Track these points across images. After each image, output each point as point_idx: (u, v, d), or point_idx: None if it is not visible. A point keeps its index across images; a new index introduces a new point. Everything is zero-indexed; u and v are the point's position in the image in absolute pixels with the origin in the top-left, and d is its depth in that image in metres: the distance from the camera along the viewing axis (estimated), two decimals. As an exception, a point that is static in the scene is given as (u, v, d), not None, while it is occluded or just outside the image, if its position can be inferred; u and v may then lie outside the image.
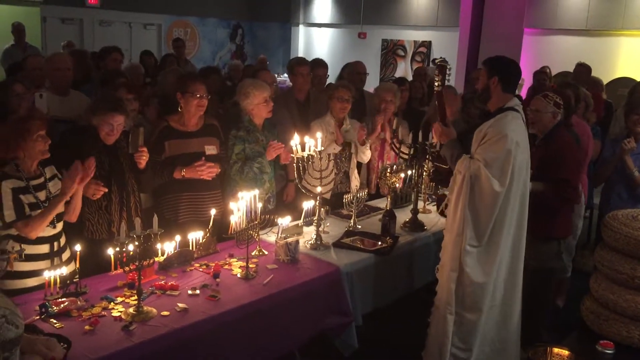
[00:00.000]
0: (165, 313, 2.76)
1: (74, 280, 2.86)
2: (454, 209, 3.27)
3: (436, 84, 3.45)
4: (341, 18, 13.47)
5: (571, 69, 7.59)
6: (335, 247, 3.74)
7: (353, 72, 5.84)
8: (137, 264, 2.66)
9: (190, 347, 2.69)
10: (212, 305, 2.89)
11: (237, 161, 4.06)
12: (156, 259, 3.21)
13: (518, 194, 3.27)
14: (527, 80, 8.37)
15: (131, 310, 2.72)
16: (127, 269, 2.70)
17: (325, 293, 3.39)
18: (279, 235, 3.62)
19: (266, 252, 3.57)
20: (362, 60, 6.33)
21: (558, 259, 3.94)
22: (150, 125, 3.94)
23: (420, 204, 4.46)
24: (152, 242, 2.74)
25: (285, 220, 3.74)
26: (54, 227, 3.05)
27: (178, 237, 3.31)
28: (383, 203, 4.45)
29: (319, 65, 5.66)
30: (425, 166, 4.20)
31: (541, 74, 6.95)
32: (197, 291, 3.00)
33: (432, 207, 4.51)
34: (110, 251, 2.98)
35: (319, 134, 3.69)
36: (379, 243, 3.81)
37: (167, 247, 3.26)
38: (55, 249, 3.09)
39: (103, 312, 2.72)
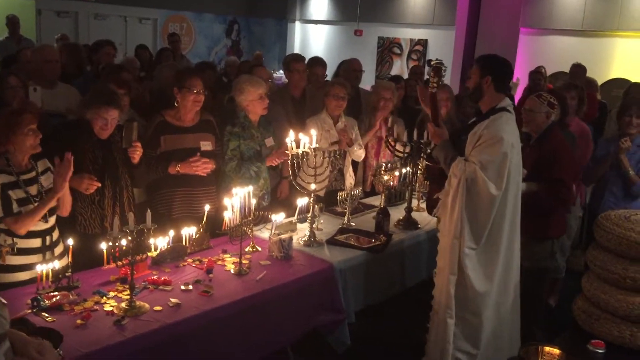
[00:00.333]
0: (158, 308, 2.75)
1: (67, 274, 2.84)
2: (450, 212, 3.23)
3: (431, 85, 3.41)
4: (338, 15, 13.45)
5: (566, 69, 7.60)
6: (328, 244, 3.74)
7: (349, 70, 5.84)
8: (129, 258, 2.65)
9: (183, 342, 2.69)
10: (204, 301, 2.88)
11: (233, 158, 4.05)
12: (149, 254, 3.20)
13: (513, 195, 3.27)
14: (522, 80, 8.41)
15: (123, 304, 2.71)
16: (119, 263, 2.68)
17: (319, 290, 3.39)
18: (273, 231, 3.62)
19: (260, 249, 3.57)
20: (358, 58, 6.32)
21: (552, 259, 3.95)
22: (143, 120, 3.93)
23: (415, 202, 4.46)
24: (145, 237, 2.74)
25: (279, 217, 3.74)
26: (46, 221, 3.04)
27: (171, 232, 3.30)
28: (377, 201, 4.45)
29: (318, 64, 5.64)
30: (420, 164, 4.20)
31: (536, 74, 6.96)
32: (190, 286, 2.99)
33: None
34: (103, 246, 2.96)
35: (313, 131, 3.68)
36: (373, 241, 3.82)
37: (160, 242, 3.25)
38: (48, 243, 3.08)
39: (95, 307, 2.72)
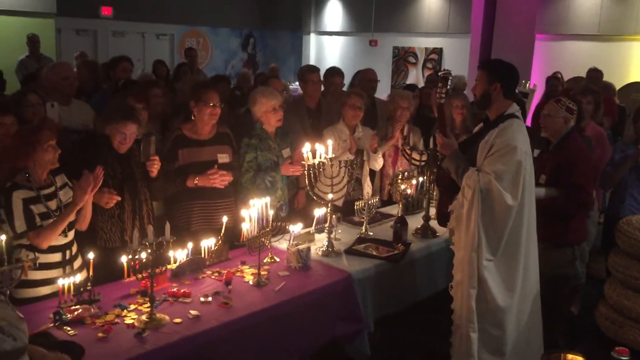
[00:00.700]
0: (178, 320, 2.77)
1: (87, 288, 2.88)
2: (467, 224, 3.17)
3: (439, 95, 3.37)
4: (352, 26, 13.51)
5: (583, 74, 7.54)
6: (347, 253, 3.73)
7: (364, 80, 5.86)
8: (149, 271, 2.68)
9: (203, 354, 2.70)
10: (224, 312, 2.90)
11: (249, 169, 4.08)
12: (168, 266, 3.24)
13: (528, 203, 3.21)
14: (539, 87, 8.36)
15: (144, 317, 2.74)
16: (139, 276, 2.71)
17: (337, 300, 3.38)
18: (291, 242, 3.63)
19: (278, 259, 3.58)
20: (374, 68, 6.34)
21: (572, 266, 3.89)
22: (160, 134, 3.97)
23: (432, 211, 4.43)
24: (164, 249, 2.76)
25: (296, 227, 3.75)
26: (66, 235, 3.08)
27: (190, 245, 3.33)
28: (395, 210, 4.44)
29: (335, 73, 5.70)
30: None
31: (554, 80, 6.93)
32: (209, 298, 3.01)
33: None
34: (124, 259, 3.00)
35: (329, 141, 3.69)
36: (391, 250, 3.81)
37: (180, 254, 3.27)
38: (67, 257, 3.12)
39: (116, 320, 2.74)
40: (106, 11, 12.14)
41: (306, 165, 3.58)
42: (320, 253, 3.71)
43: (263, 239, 3.33)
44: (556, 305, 3.85)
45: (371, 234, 4.10)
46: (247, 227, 3.25)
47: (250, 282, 3.25)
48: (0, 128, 3.35)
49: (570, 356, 2.76)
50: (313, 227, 3.99)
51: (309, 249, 3.55)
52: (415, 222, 4.24)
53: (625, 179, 4.29)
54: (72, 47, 11.18)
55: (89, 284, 2.89)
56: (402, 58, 12.64)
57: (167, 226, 2.77)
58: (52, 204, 3.04)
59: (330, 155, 3.65)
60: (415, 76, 12.31)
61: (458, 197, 3.21)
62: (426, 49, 12.23)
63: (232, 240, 3.62)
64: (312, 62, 14.23)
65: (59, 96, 4.27)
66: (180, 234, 3.52)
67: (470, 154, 3.23)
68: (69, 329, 2.62)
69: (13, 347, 1.72)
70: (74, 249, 3.20)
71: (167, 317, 2.77)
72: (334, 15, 13.83)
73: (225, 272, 3.30)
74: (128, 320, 2.74)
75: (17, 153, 2.95)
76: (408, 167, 4.33)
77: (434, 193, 4.44)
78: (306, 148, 3.57)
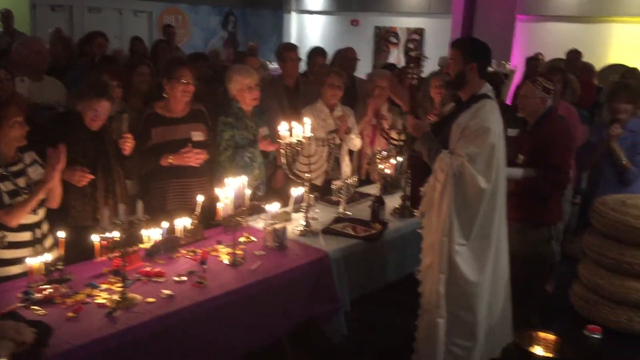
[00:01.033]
0: (151, 300, 2.73)
1: (58, 267, 2.82)
2: (438, 208, 3.08)
3: (410, 76, 3.28)
4: (334, 5, 13.39)
5: (564, 55, 7.54)
6: (324, 233, 3.71)
7: (344, 58, 5.81)
8: (120, 250, 2.63)
9: (175, 333, 2.67)
10: (198, 292, 2.86)
11: (227, 148, 4.03)
12: (142, 245, 3.18)
13: (501, 185, 3.14)
14: (519, 68, 8.36)
15: (115, 297, 2.69)
16: (110, 255, 2.66)
17: (314, 279, 3.36)
18: (268, 221, 3.60)
19: (254, 239, 3.55)
20: (355, 48, 6.28)
21: (549, 245, 3.92)
22: (134, 112, 3.89)
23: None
24: (137, 228, 2.71)
25: (273, 207, 3.71)
26: (36, 213, 3.01)
27: (165, 224, 3.28)
28: (373, 189, 4.42)
29: (318, 53, 5.65)
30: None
31: (533, 61, 6.94)
32: (184, 278, 2.97)
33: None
34: (95, 238, 2.94)
35: (307, 120, 3.64)
36: (368, 229, 3.79)
37: (154, 233, 3.22)
38: (38, 235, 3.06)
39: (87, 299, 2.69)
40: (82, -14, 11.89)
41: (283, 144, 3.53)
42: (297, 232, 3.68)
43: (239, 218, 3.30)
44: (533, 284, 3.88)
45: (349, 213, 4.08)
46: (223, 206, 3.21)
47: (226, 262, 3.21)
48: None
49: (542, 334, 2.79)
50: (290, 207, 3.96)
51: (285, 228, 3.52)
52: (393, 201, 4.23)
53: (601, 161, 4.31)
54: (47, 23, 10.92)
55: (59, 263, 2.83)
56: (383, 38, 12.57)
57: (140, 205, 2.71)
58: (21, 182, 2.97)
59: (308, 134, 3.61)
60: (397, 56, 12.26)
61: (430, 180, 3.11)
62: (408, 29, 12.18)
63: (208, 219, 3.58)
64: (293, 41, 14.07)
65: (30, 71, 4.16)
66: (155, 213, 3.46)
67: (443, 135, 3.14)
68: (37, 308, 2.56)
69: None
70: (45, 227, 3.14)
71: (139, 297, 2.73)
72: (315, -7, 13.70)
73: (201, 251, 3.26)
74: (99, 300, 2.69)
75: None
76: (387, 146, 4.30)
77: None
78: (283, 126, 3.52)
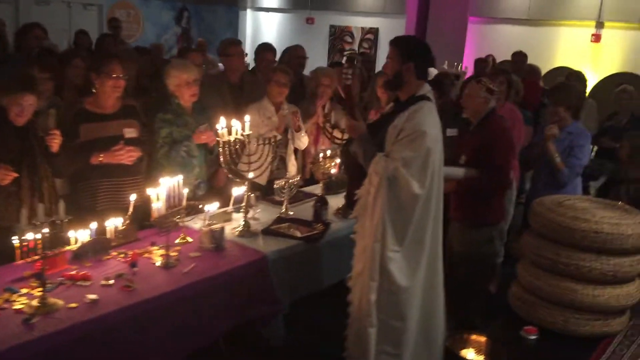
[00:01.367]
0: (73, 305, 2.59)
1: (-25, 270, 2.66)
2: (371, 213, 2.96)
3: (345, 76, 3.14)
4: (289, 2, 13.30)
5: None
6: (263, 234, 3.62)
7: (293, 56, 5.73)
8: (40, 253, 2.49)
9: (99, 339, 2.54)
10: (125, 296, 2.74)
11: (164, 145, 3.89)
12: (68, 247, 3.03)
13: (436, 191, 3.04)
14: (470, 69, 8.45)
15: (34, 302, 2.54)
16: (29, 259, 2.51)
17: (251, 281, 3.28)
18: (206, 222, 3.49)
19: (191, 240, 3.43)
20: (310, 46, 6.22)
21: (491, 245, 3.92)
22: (68, 107, 3.72)
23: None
24: (60, 229, 2.58)
25: (212, 207, 3.61)
26: None
27: (94, 224, 3.13)
28: (319, 189, 4.36)
29: (267, 49, 5.52)
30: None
31: (482, 62, 7.00)
32: (111, 281, 2.84)
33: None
34: (15, 240, 2.78)
35: (247, 117, 3.55)
36: (310, 230, 3.72)
37: (81, 235, 3.08)
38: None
39: (4, 305, 2.54)
40: (28, -23, 11.47)
41: (221, 142, 3.42)
42: (236, 233, 3.58)
43: (175, 218, 3.18)
44: (475, 284, 3.88)
45: (291, 213, 4.01)
46: (157, 205, 3.09)
47: (158, 264, 3.09)
48: None
49: (474, 337, 2.77)
50: (231, 206, 3.86)
51: (223, 228, 3.42)
52: (338, 201, 4.17)
53: (538, 161, 4.35)
54: (-10, 14, 10.50)
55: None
56: (338, 37, 12.55)
57: (61, 205, 2.58)
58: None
59: (247, 132, 3.52)
60: (352, 55, 12.24)
61: (365, 183, 3.00)
62: (362, 28, 12.18)
63: (144, 220, 3.45)
64: (248, 38, 13.95)
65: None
66: (84, 214, 3.32)
67: (380, 137, 3.03)
68: (-52, 315, 2.41)
69: None
70: (-36, 228, 2.96)
71: (60, 302, 2.59)
72: (271, -9, 13.59)
73: (132, 253, 3.13)
74: (17, 306, 2.54)
75: None
76: (330, 145, 4.24)
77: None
78: (221, 124, 3.41)
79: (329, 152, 4.15)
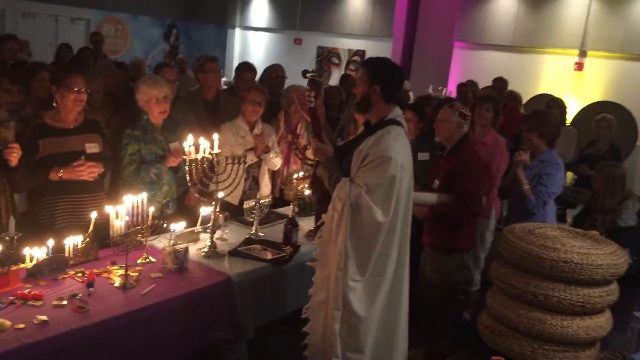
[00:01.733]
0: (21, 326, 2.49)
1: None
2: (335, 239, 2.87)
3: (308, 99, 3.08)
4: (278, 22, 13.35)
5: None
6: (230, 255, 3.54)
7: (271, 76, 5.69)
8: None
9: (46, 363, 2.44)
10: (77, 317, 2.63)
11: (131, 162, 3.81)
12: (23, 265, 2.95)
13: (402, 219, 2.95)
14: (454, 94, 8.47)
15: (-20, 322, 2.44)
16: (-26, 276, 2.42)
17: (214, 304, 3.18)
18: (170, 241, 3.40)
19: (154, 260, 3.34)
20: (298, 67, 6.13)
21: (461, 272, 3.85)
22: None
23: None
24: (9, 247, 2.48)
25: (178, 226, 3.53)
26: None
27: (51, 242, 3.04)
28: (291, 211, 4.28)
29: (247, 69, 5.47)
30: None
31: (463, 87, 7.00)
32: (64, 302, 2.74)
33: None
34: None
35: (215, 136, 3.48)
36: (279, 252, 3.64)
37: (37, 252, 2.98)
38: None
39: (-53, 324, 2.44)
40: (16, -11, 11.45)
41: (188, 160, 3.35)
42: (202, 254, 3.50)
43: (139, 237, 3.09)
44: (443, 311, 3.80)
45: (262, 234, 3.93)
46: (117, 224, 3.00)
47: (116, 285, 3.00)
48: None
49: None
50: (198, 226, 3.78)
51: (187, 249, 3.33)
52: (309, 224, 4.10)
53: (510, 187, 4.30)
54: (-25, 26, 10.48)
55: None
56: (325, 58, 12.58)
57: (12, 221, 2.49)
58: None
59: (216, 150, 3.45)
60: (339, 77, 12.23)
61: (329, 208, 2.91)
62: (349, 50, 12.22)
63: (106, 238, 3.35)
64: (236, 57, 13.96)
65: None
66: (43, 231, 3.22)
67: (347, 161, 2.96)
68: None
69: None
70: None
71: (8, 322, 2.48)
72: (259, 10, 13.63)
73: (89, 272, 3.03)
74: (-39, 326, 2.44)
75: None
76: (302, 166, 4.17)
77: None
78: (189, 142, 3.34)
79: (301, 173, 4.08)
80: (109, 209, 2.93)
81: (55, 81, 3.44)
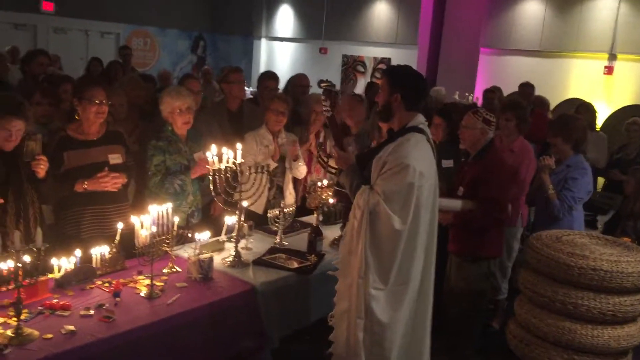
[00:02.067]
0: (49, 336, 2.53)
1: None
2: (355, 248, 2.84)
3: (325, 109, 3.11)
4: (303, 32, 13.42)
5: (519, 88, 7.60)
6: (255, 264, 3.55)
7: (295, 85, 5.72)
8: (14, 281, 2.44)
9: (73, 373, 2.47)
10: (104, 327, 2.67)
11: (156, 173, 3.85)
12: (51, 275, 3.00)
13: (426, 226, 2.90)
14: (481, 100, 8.39)
15: (9, 332, 2.49)
16: (3, 288, 2.46)
17: (238, 314, 3.19)
18: (195, 251, 3.43)
19: (179, 269, 3.37)
20: (323, 75, 6.17)
21: (487, 281, 3.79)
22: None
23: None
24: (37, 257, 2.53)
25: (203, 236, 3.55)
26: None
27: (78, 252, 3.09)
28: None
29: (269, 77, 5.51)
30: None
31: (490, 93, 6.92)
32: (91, 311, 2.78)
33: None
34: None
35: (239, 145, 3.51)
36: (303, 261, 3.64)
37: (65, 263, 3.03)
38: None
39: (-21, 334, 2.49)
40: (47, 6, 11.73)
41: (211, 170, 3.38)
42: (226, 264, 3.51)
43: (163, 247, 3.13)
44: (469, 320, 3.74)
45: (286, 243, 3.93)
46: (143, 234, 3.04)
47: (142, 294, 3.03)
48: None
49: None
50: (223, 235, 3.80)
51: (211, 258, 3.35)
52: (334, 232, 4.09)
53: (536, 193, 4.23)
54: (9, 41, 10.67)
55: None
56: (351, 66, 12.61)
57: (39, 232, 2.53)
58: None
59: (239, 160, 3.47)
60: (364, 85, 12.25)
61: (350, 216, 2.91)
62: (375, 58, 12.22)
63: (133, 248, 3.39)
64: (262, 67, 14.08)
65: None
66: (70, 242, 3.27)
67: (368, 168, 2.93)
68: None
69: None
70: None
71: (36, 332, 2.52)
72: (285, 21, 13.73)
73: (115, 282, 3.07)
74: (-9, 335, 2.49)
75: None
76: (325, 175, 4.17)
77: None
78: (212, 151, 3.38)
79: (325, 182, 4.08)
80: (134, 219, 2.97)
81: (76, 94, 3.51)
